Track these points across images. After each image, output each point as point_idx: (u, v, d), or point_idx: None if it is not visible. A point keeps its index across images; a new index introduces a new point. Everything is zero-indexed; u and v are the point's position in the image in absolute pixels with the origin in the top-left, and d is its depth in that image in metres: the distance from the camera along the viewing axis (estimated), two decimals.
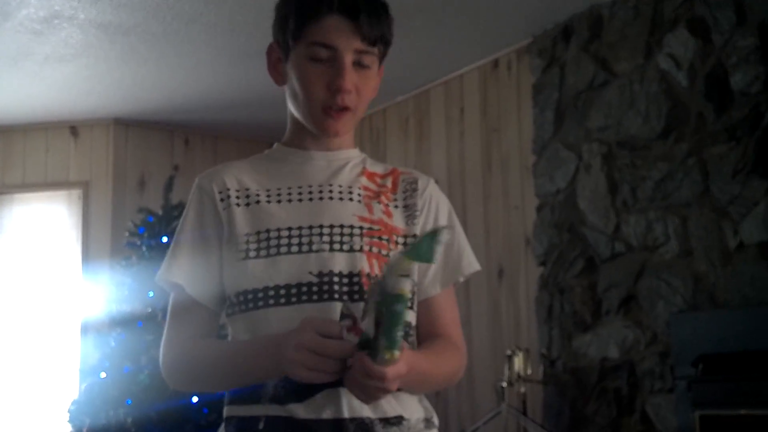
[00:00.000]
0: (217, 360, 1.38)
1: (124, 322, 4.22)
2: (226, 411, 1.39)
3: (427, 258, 1.20)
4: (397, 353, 1.16)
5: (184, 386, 1.54)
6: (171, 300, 1.45)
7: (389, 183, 1.47)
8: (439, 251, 1.20)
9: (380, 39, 1.39)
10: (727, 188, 3.28)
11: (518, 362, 3.88)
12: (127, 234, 4.53)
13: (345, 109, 1.39)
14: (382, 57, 1.44)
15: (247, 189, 1.41)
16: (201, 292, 1.41)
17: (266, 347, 1.29)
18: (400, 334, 1.17)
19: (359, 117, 1.45)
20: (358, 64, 1.38)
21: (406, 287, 1.16)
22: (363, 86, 1.40)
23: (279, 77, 1.45)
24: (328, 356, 1.20)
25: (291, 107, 1.46)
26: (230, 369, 1.36)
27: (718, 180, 3.32)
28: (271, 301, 1.33)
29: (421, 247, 1.20)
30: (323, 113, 1.39)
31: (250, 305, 1.34)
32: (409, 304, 1.20)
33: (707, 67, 3.40)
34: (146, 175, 5.58)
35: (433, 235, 1.20)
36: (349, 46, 1.36)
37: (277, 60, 1.45)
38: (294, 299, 1.32)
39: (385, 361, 1.16)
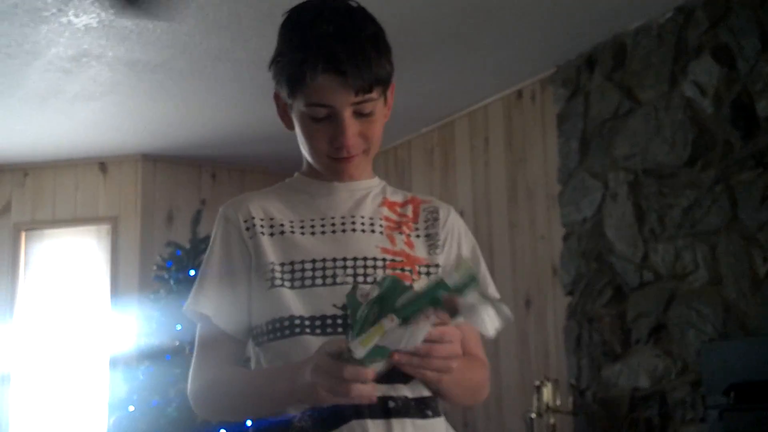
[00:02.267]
0: (242, 387, 1.38)
1: (152, 356, 4.25)
2: None
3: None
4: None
5: (211, 415, 1.52)
6: (198, 331, 1.45)
7: (410, 212, 1.47)
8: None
9: (375, 83, 1.35)
10: (755, 215, 3.26)
11: (547, 393, 3.85)
12: (155, 268, 4.57)
13: (352, 156, 1.39)
14: (385, 89, 1.41)
15: (272, 218, 1.42)
16: (228, 322, 1.41)
17: (286, 372, 1.29)
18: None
19: (373, 154, 1.44)
20: (360, 113, 1.36)
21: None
22: (368, 130, 1.38)
23: (288, 122, 1.45)
24: (342, 378, 1.16)
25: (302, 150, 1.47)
26: (254, 396, 1.35)
27: (746, 207, 3.30)
28: (297, 330, 1.33)
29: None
30: (331, 161, 1.40)
31: (282, 333, 1.34)
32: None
33: (733, 94, 3.39)
34: (174, 209, 5.63)
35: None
36: (344, 102, 1.33)
37: (284, 105, 1.44)
38: (319, 330, 1.33)
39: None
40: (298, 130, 1.41)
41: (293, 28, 1.37)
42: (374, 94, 1.35)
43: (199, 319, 1.44)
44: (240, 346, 1.43)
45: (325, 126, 1.36)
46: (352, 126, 1.35)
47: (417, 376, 1.23)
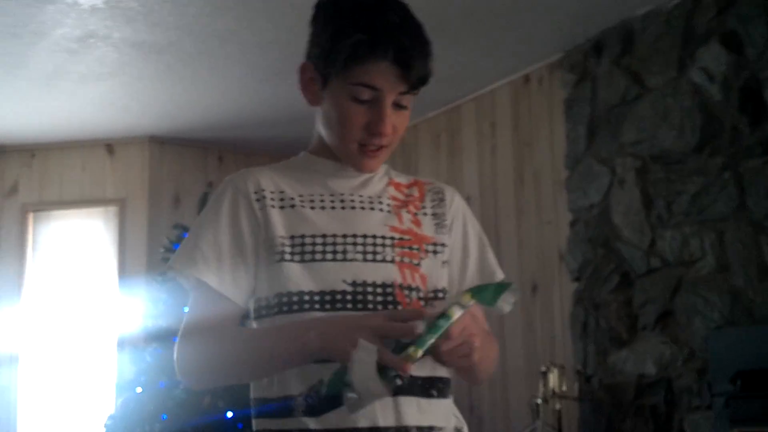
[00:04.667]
0: (248, 341, 1.36)
1: (159, 337, 4.25)
2: (256, 424, 1.39)
3: (487, 302, 1.29)
4: (420, 352, 1.20)
5: (205, 378, 1.45)
6: (193, 299, 1.42)
7: (416, 192, 1.50)
8: (501, 301, 1.30)
9: (424, 81, 1.39)
10: (763, 202, 3.25)
11: (553, 379, 3.86)
12: (162, 250, 4.58)
13: (381, 147, 1.41)
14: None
15: (282, 192, 1.42)
16: (231, 289, 1.38)
17: (313, 323, 1.29)
18: (431, 341, 1.21)
19: (392, 150, 1.46)
20: (398, 105, 1.38)
21: (456, 312, 1.23)
22: (400, 124, 1.41)
23: (313, 98, 1.44)
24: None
25: (322, 131, 1.46)
26: (263, 350, 1.33)
27: (754, 194, 3.28)
28: (307, 306, 1.33)
29: (486, 291, 1.29)
30: (359, 151, 1.41)
31: (290, 308, 1.34)
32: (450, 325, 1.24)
33: (741, 81, 3.37)
34: (181, 191, 5.64)
35: (502, 286, 1.30)
36: (393, 90, 1.36)
37: (310, 80, 1.43)
38: (328, 306, 1.33)
39: (407, 356, 1.19)
40: (330, 107, 1.40)
41: (357, 9, 1.38)
42: (416, 91, 1.39)
43: (195, 286, 1.40)
44: (239, 313, 1.41)
45: (364, 110, 1.37)
46: (391, 115, 1.37)
47: (453, 362, 1.29)
